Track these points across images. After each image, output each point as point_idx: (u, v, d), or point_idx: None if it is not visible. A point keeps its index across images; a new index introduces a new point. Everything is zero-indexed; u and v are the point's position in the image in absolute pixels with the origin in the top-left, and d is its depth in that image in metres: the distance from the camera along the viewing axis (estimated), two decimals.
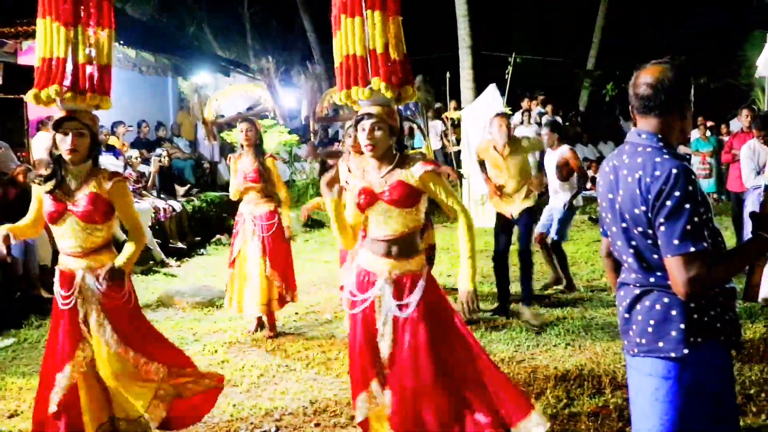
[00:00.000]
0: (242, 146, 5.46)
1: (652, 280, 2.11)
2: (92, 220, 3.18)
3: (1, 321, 5.86)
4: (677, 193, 1.97)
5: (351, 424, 3.78)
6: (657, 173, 2.01)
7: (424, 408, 2.87)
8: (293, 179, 12.95)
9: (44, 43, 3.15)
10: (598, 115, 18.52)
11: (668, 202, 1.98)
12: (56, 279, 3.32)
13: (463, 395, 2.89)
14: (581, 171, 6.40)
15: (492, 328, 5.50)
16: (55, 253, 6.36)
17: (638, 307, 2.15)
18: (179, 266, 8.46)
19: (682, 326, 2.06)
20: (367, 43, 2.94)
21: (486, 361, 3.00)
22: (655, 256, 2.07)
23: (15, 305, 6.20)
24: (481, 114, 10.56)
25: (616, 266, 2.35)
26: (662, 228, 2.00)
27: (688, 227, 1.96)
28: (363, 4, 2.91)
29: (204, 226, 9.99)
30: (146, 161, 9.79)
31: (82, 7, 3.17)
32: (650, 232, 2.05)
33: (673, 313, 2.07)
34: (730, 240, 6.84)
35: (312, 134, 14.74)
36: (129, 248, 3.27)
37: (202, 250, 9.35)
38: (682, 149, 11.07)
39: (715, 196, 12.63)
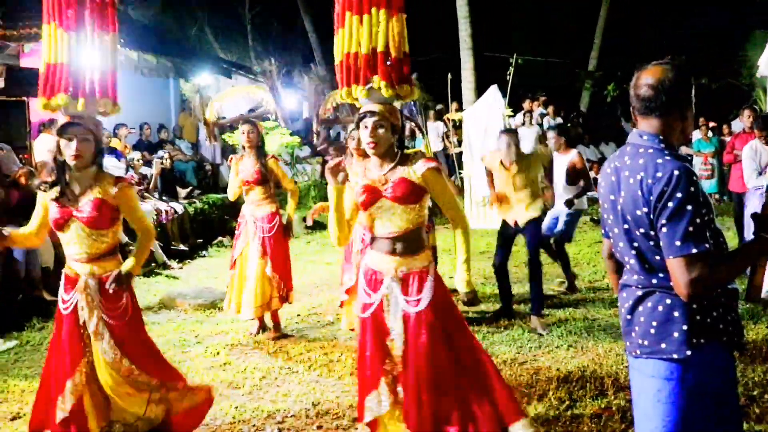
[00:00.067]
0: (244, 148, 5.47)
1: (654, 281, 2.11)
2: (97, 226, 3.17)
3: (3, 323, 5.86)
4: (679, 195, 1.97)
5: (353, 426, 3.77)
6: (659, 174, 2.01)
7: (438, 404, 2.88)
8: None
9: (49, 48, 3.16)
10: (600, 115, 18.51)
11: (670, 204, 1.98)
12: (61, 283, 3.32)
13: (470, 390, 2.92)
14: (586, 174, 6.40)
15: (494, 330, 5.49)
16: (57, 255, 6.39)
17: (640, 308, 2.15)
18: (181, 268, 8.46)
19: (685, 327, 2.06)
20: (370, 41, 2.94)
21: (487, 357, 3.05)
22: (657, 258, 2.07)
23: (17, 307, 6.20)
24: (482, 115, 10.56)
25: (618, 268, 2.34)
26: (664, 229, 2.00)
27: (690, 228, 1.96)
28: (370, 2, 2.92)
29: (206, 228, 9.99)
30: (148, 163, 9.80)
31: (86, 12, 3.17)
32: (652, 233, 2.05)
33: (676, 314, 2.07)
34: (732, 240, 6.86)
35: (315, 135, 14.76)
36: (137, 250, 3.31)
37: (203, 252, 9.36)
38: (683, 150, 11.07)
39: (716, 196, 12.62)
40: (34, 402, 3.36)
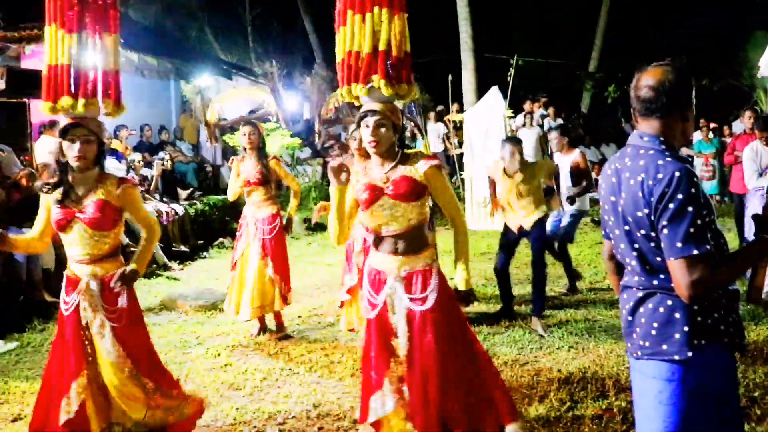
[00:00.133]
0: (245, 149, 5.48)
1: (655, 282, 2.11)
2: (100, 227, 3.18)
3: (4, 325, 5.87)
4: (680, 196, 1.97)
5: (354, 428, 3.77)
6: (660, 176, 2.01)
7: (444, 403, 2.89)
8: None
9: (51, 50, 3.16)
10: (601, 117, 18.50)
11: (671, 205, 1.98)
12: (63, 284, 3.32)
13: (472, 389, 2.94)
14: (589, 174, 6.41)
15: (495, 331, 5.49)
16: (58, 257, 6.39)
17: (641, 309, 2.15)
18: (182, 269, 8.47)
19: (686, 329, 2.06)
20: (372, 40, 2.94)
21: (486, 357, 3.09)
22: (658, 259, 2.07)
23: (18, 308, 6.21)
24: (483, 117, 10.57)
25: (619, 269, 2.35)
26: (665, 231, 2.00)
27: (691, 230, 1.96)
28: (372, 1, 2.92)
29: (206, 229, 10.00)
30: (149, 165, 9.81)
31: (87, 14, 3.18)
32: (653, 234, 2.05)
33: (677, 315, 2.07)
34: (733, 242, 6.85)
35: (317, 135, 14.76)
36: (143, 247, 3.34)
37: (204, 254, 9.36)
38: (684, 151, 11.06)
39: (717, 197, 12.61)
40: (35, 403, 3.35)
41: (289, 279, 5.63)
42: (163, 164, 9.64)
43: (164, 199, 9.51)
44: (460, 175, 11.54)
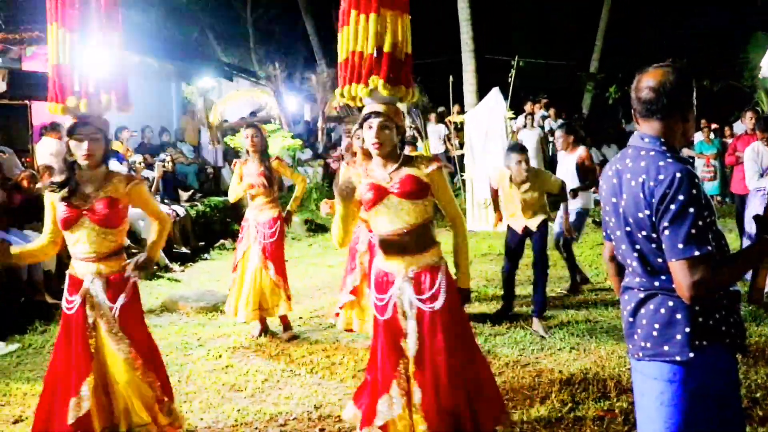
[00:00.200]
0: (248, 152, 5.47)
1: (656, 283, 2.11)
2: (108, 224, 3.21)
3: (5, 326, 5.86)
4: (681, 197, 1.97)
5: (355, 429, 3.77)
6: (661, 177, 2.01)
7: (455, 401, 2.90)
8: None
9: (53, 50, 3.17)
10: (602, 117, 18.50)
11: (672, 206, 1.98)
12: (66, 283, 3.33)
13: (475, 387, 2.96)
14: (593, 170, 6.41)
15: (496, 332, 5.48)
16: (60, 258, 6.39)
17: (643, 310, 2.15)
18: (183, 271, 8.46)
19: (687, 330, 2.05)
20: (376, 41, 2.93)
21: (482, 356, 3.15)
22: (660, 260, 2.07)
23: (19, 310, 6.21)
24: (484, 118, 10.57)
25: (620, 270, 2.35)
26: (666, 232, 2.00)
27: (693, 231, 1.96)
28: (379, 1, 2.92)
29: (208, 231, 10.00)
30: (150, 166, 9.81)
31: (89, 12, 3.18)
32: (654, 235, 2.05)
33: (678, 316, 2.07)
34: (734, 242, 6.85)
35: (320, 132, 14.79)
36: (156, 237, 3.40)
37: (205, 255, 9.36)
38: (685, 152, 11.06)
39: (718, 198, 12.61)
40: (37, 405, 3.35)
41: (287, 282, 5.63)
42: (164, 166, 9.64)
43: (165, 201, 9.50)
44: (461, 176, 11.55)
